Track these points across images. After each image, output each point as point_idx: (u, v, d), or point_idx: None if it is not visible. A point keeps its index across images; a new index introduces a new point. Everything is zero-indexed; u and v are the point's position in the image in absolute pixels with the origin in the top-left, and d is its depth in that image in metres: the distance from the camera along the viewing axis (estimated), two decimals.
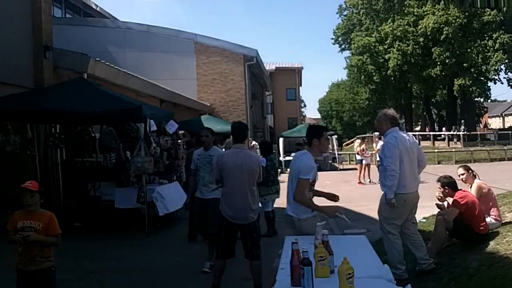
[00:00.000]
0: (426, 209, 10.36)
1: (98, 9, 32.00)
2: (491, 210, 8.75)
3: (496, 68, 47.59)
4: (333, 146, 36.38)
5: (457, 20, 45.73)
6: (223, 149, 9.85)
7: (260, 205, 8.90)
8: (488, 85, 50.65)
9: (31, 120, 13.00)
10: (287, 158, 32.77)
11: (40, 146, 13.90)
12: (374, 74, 53.02)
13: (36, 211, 5.46)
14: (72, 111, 11.64)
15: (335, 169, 34.10)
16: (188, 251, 10.03)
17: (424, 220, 11.19)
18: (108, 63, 17.26)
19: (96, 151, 13.63)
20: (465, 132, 47.90)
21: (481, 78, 48.73)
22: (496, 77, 50.81)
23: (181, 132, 15.78)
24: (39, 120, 13.23)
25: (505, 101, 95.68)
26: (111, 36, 28.66)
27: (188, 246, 10.42)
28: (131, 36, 29.38)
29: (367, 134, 51.12)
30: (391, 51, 49.57)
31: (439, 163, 36.07)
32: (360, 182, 23.41)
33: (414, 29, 48.66)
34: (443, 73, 48.28)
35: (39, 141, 13.91)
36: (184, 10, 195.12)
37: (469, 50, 46.59)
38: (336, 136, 43.43)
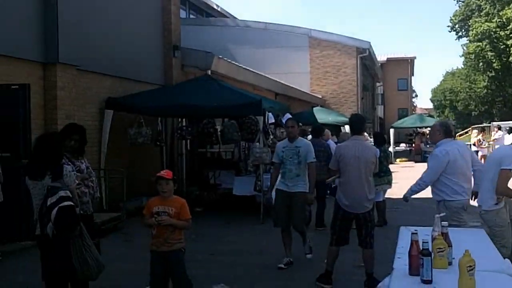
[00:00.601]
0: None
1: (219, 9, 32.78)
2: None
3: None
4: None
5: None
6: (336, 142, 9.70)
7: None
8: None
9: (160, 114, 13.65)
10: (397, 148, 32.13)
11: (167, 138, 14.58)
12: (493, 61, 49.80)
13: (170, 198, 5.72)
14: (198, 105, 12.09)
15: None
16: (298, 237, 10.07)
17: None
18: (229, 60, 17.73)
19: (219, 142, 14.05)
20: None
21: None
22: None
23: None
24: (168, 114, 13.87)
25: None
26: (231, 34, 29.31)
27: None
28: (249, 33, 29.91)
29: (484, 124, 48.41)
30: None
31: None
32: None
33: None
34: None
35: (167, 133, 14.60)
36: (298, 4, 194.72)
37: None
38: None
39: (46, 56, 10.60)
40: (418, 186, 6.98)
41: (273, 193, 8.27)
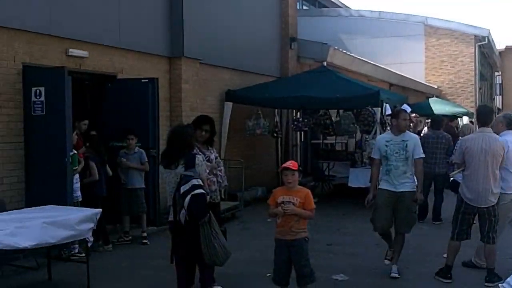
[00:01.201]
0: None
1: None
2: None
3: None
4: None
5: None
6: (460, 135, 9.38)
7: None
8: None
9: (277, 105, 13.89)
10: None
11: (283, 129, 14.80)
12: None
13: (295, 188, 5.83)
14: (314, 97, 12.19)
15: None
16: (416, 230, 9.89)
17: None
18: (344, 51, 17.66)
19: (335, 134, 14.07)
20: None
21: None
22: None
23: (413, 115, 15.59)
24: (285, 106, 14.08)
25: None
26: (343, 24, 29.03)
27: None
28: (362, 23, 29.48)
29: None
30: None
31: None
32: None
33: None
34: None
35: (282, 124, 14.83)
36: None
37: None
38: None
39: (172, 51, 11.12)
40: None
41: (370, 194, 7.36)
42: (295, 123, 13.92)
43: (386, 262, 7.37)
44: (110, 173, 8.96)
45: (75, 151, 8.12)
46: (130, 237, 9.04)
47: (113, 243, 8.88)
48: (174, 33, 11.09)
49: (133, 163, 8.98)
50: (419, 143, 7.29)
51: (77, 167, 8.13)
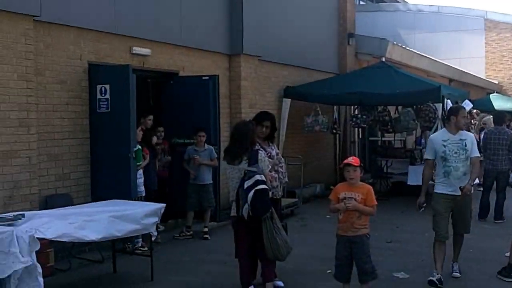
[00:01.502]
0: None
1: None
2: None
3: None
4: None
5: None
6: None
7: None
8: None
9: (336, 102, 13.81)
10: None
11: (341, 125, 14.70)
12: None
13: (356, 184, 5.78)
14: (373, 93, 12.05)
15: None
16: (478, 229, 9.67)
17: None
18: (403, 46, 17.40)
19: (393, 130, 13.87)
20: None
21: None
22: None
23: (474, 111, 15.25)
24: (343, 102, 13.99)
25: None
26: (401, 19, 28.56)
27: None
28: (420, 17, 28.93)
29: None
30: None
31: None
32: None
33: None
34: None
35: (341, 121, 14.73)
36: None
37: None
38: None
39: (232, 48, 11.22)
40: None
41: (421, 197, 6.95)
42: (354, 119, 13.79)
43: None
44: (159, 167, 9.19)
45: (139, 147, 8.30)
46: (192, 232, 9.17)
47: (175, 237, 9.07)
48: (234, 30, 11.17)
49: (204, 160, 9.12)
50: (475, 141, 6.94)
51: (141, 163, 8.30)
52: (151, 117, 9.03)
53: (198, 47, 10.45)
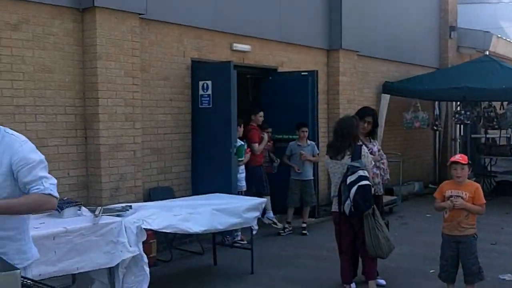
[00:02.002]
0: None
1: None
2: None
3: None
4: None
5: None
6: None
7: None
8: None
9: (436, 97, 13.33)
10: None
11: (442, 122, 14.20)
12: None
13: (464, 182, 5.55)
14: (477, 88, 11.53)
15: None
16: None
17: None
18: (508, 39, 16.58)
19: (499, 127, 13.22)
20: None
21: None
22: None
23: None
24: (444, 98, 13.47)
25: None
26: (505, 11, 27.21)
27: None
28: None
29: None
30: None
31: None
32: None
33: None
34: None
35: (442, 117, 14.23)
36: None
37: None
38: None
39: (330, 43, 11.08)
40: None
41: None
42: (457, 115, 13.23)
43: None
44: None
45: (242, 143, 8.37)
46: (291, 228, 9.15)
47: (280, 233, 9.07)
48: (333, 25, 11.02)
49: (309, 155, 9.09)
50: None
51: (242, 159, 8.37)
52: (261, 113, 9.05)
53: (297, 42, 10.40)
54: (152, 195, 7.80)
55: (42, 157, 3.09)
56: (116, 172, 7.18)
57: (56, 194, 3.07)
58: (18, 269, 2.46)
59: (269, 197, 8.84)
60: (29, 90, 6.53)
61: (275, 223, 9.10)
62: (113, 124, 7.13)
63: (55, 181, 3.09)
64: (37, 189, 3.00)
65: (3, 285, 2.36)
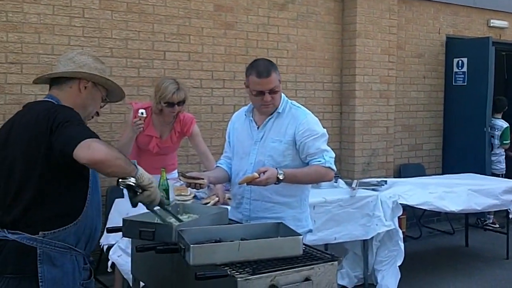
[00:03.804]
0: None
1: None
2: None
3: None
4: None
5: None
6: None
7: None
8: None
9: None
10: None
11: None
12: None
13: None
14: None
15: None
16: None
17: None
18: None
19: None
20: None
21: None
22: None
23: None
24: None
25: None
26: None
27: None
28: None
29: None
30: None
31: None
32: None
33: None
34: None
35: None
36: None
37: None
38: None
39: None
40: None
41: None
42: None
43: None
44: None
45: (508, 124, 7.78)
46: None
47: None
48: None
49: None
50: None
51: (508, 142, 7.76)
52: None
53: None
54: (402, 171, 7.64)
55: (324, 130, 3.14)
56: (368, 147, 7.15)
57: (334, 168, 3.10)
58: (301, 234, 2.52)
59: None
60: (291, 66, 6.75)
61: None
62: (368, 100, 7.09)
63: (333, 154, 3.13)
64: (318, 161, 3.06)
65: (288, 248, 2.43)
